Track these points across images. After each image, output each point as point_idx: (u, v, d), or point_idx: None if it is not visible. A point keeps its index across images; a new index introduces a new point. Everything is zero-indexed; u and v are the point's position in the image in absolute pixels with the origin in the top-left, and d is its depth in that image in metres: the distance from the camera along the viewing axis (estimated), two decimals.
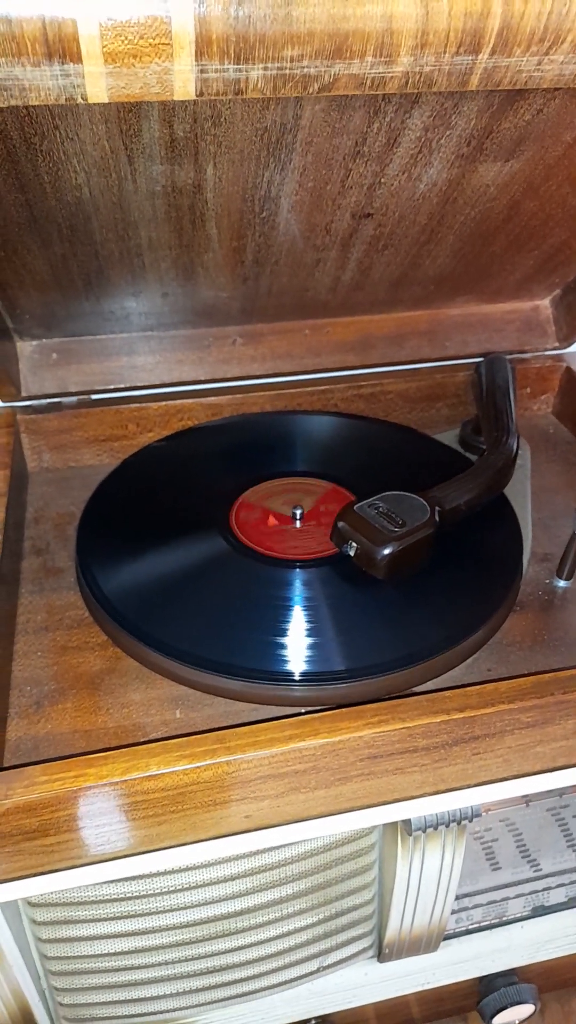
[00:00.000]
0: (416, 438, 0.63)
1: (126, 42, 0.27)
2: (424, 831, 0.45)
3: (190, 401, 0.64)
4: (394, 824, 0.45)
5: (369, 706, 0.38)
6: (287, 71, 0.28)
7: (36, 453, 0.62)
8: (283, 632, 0.45)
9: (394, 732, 0.38)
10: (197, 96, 0.28)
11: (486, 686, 0.39)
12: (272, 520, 0.53)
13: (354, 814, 0.41)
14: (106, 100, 0.28)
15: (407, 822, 0.44)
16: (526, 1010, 0.58)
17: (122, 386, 0.63)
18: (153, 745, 0.37)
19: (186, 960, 0.48)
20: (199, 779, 0.36)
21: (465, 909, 0.54)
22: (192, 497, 0.56)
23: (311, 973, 0.52)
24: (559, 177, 0.49)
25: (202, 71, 0.28)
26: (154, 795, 0.36)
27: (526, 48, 0.30)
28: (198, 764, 0.36)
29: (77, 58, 0.27)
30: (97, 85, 0.27)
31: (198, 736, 0.37)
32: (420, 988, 0.57)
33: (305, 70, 0.28)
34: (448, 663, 0.45)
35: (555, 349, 0.69)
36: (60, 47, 0.26)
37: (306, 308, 0.63)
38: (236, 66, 0.28)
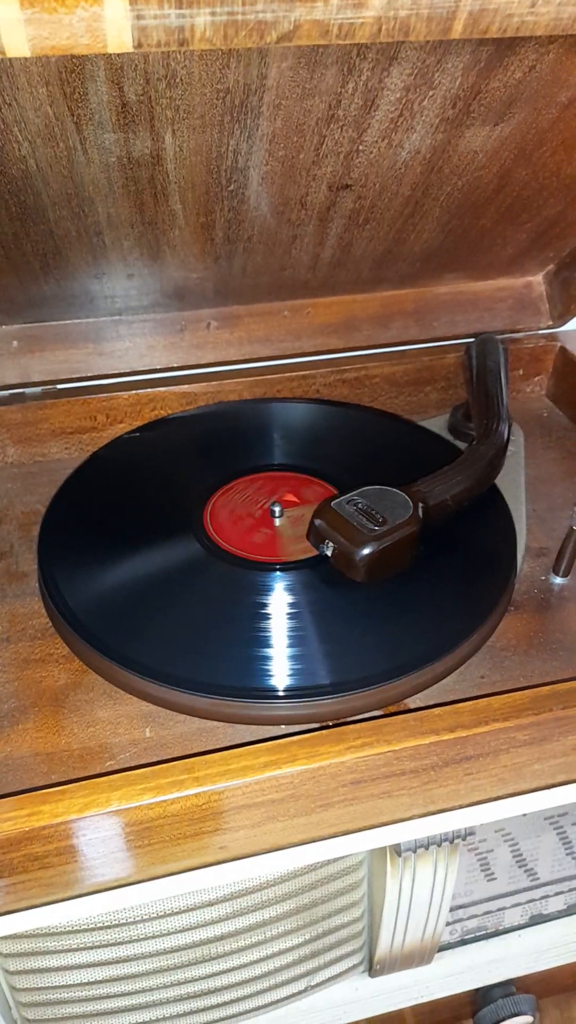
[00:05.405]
0: (403, 426, 0.59)
1: None
2: (414, 851, 0.42)
3: (163, 390, 0.60)
4: None
5: (351, 728, 0.35)
6: (239, 16, 0.24)
7: None
8: (258, 645, 0.41)
9: (379, 756, 0.34)
10: (135, 48, 0.24)
11: (478, 703, 0.36)
12: (249, 519, 0.49)
13: (338, 840, 0.38)
14: (28, 54, 0.23)
15: (396, 844, 0.41)
16: (524, 1021, 0.56)
17: (89, 375, 0.59)
18: (114, 777, 0.33)
19: (166, 986, 0.45)
20: (166, 812, 0.33)
21: (460, 920, 0.51)
22: (164, 494, 0.52)
23: (299, 993, 0.49)
24: (553, 143, 0.45)
25: (139, 17, 0.24)
26: (117, 831, 0.33)
27: None
28: (164, 797, 0.33)
29: None
30: (15, 35, 0.23)
31: (164, 765, 0.34)
32: (414, 1002, 0.55)
33: (260, 15, 0.24)
34: (438, 673, 0.41)
35: (549, 328, 0.65)
36: None
37: (285, 288, 0.59)
38: (178, 11, 0.24)
